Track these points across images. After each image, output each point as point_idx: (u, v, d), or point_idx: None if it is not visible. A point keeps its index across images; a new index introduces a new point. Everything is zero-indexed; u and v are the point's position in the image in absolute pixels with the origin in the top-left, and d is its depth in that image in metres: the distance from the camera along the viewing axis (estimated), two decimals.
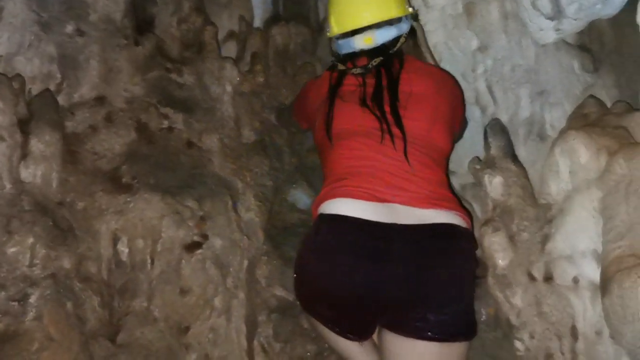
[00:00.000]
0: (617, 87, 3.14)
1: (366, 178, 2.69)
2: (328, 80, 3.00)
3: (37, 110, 2.99)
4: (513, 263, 2.87)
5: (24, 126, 2.91)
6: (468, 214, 2.83)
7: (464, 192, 3.39)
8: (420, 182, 2.70)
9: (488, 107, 3.36)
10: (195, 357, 3.01)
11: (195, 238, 3.09)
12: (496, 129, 3.14)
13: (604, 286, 2.40)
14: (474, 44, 3.39)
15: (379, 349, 2.76)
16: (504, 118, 3.28)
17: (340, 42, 3.07)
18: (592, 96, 3.02)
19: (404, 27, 3.05)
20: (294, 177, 3.71)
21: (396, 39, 3.01)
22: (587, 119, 2.87)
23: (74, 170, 3.05)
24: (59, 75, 3.23)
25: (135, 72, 3.46)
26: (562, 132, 2.85)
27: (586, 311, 2.64)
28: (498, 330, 2.95)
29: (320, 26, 4.59)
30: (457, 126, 3.09)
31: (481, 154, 3.19)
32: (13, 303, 2.60)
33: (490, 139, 3.11)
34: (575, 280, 2.66)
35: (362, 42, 2.98)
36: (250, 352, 3.17)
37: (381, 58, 2.94)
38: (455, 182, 3.41)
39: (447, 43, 3.47)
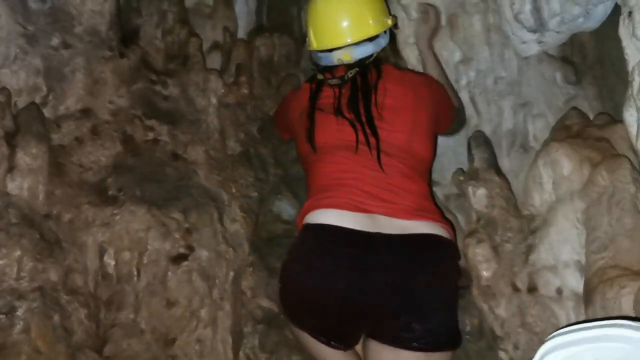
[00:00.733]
0: (599, 99, 3.18)
1: (350, 190, 2.72)
2: (308, 91, 3.03)
3: (24, 123, 2.98)
4: (497, 274, 2.89)
5: (10, 139, 2.90)
6: (450, 225, 2.86)
7: (448, 203, 3.41)
8: (403, 193, 2.74)
9: (471, 119, 3.39)
10: None
11: (181, 250, 3.08)
12: (479, 140, 3.15)
13: (587, 297, 2.43)
14: (457, 56, 3.41)
15: (363, 358, 2.78)
16: (487, 130, 3.30)
17: (320, 55, 3.12)
18: (574, 108, 3.05)
19: (382, 42, 3.10)
20: (278, 188, 3.72)
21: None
22: (570, 130, 2.89)
23: (60, 182, 3.04)
24: (44, 88, 3.22)
25: (121, 84, 3.45)
26: (545, 144, 2.87)
27: (570, 322, 2.64)
28: (482, 340, 2.96)
29: (304, 37, 4.60)
30: (448, 121, 3.14)
31: (465, 165, 3.20)
32: (0, 316, 2.60)
33: (473, 151, 3.13)
34: (559, 291, 2.68)
35: (342, 57, 3.02)
36: None
37: (357, 69, 2.98)
38: (439, 192, 3.43)
39: None
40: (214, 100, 3.69)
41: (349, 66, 3.02)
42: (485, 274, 2.90)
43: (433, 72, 3.22)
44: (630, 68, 2.39)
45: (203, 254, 3.13)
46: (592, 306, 2.37)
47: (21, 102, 3.14)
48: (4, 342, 2.57)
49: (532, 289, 2.78)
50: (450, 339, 2.65)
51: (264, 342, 3.18)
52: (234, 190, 3.47)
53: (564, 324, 2.66)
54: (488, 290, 2.89)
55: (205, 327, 3.06)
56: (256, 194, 3.59)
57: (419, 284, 2.58)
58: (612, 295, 2.28)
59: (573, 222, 2.66)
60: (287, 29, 4.66)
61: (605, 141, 2.72)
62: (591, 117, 3.00)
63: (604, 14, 2.87)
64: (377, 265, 2.57)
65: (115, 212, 3.05)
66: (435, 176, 3.33)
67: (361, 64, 3.02)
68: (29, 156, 2.91)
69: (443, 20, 3.42)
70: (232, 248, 3.28)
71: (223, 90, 3.77)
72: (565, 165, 2.70)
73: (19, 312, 2.63)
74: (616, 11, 2.66)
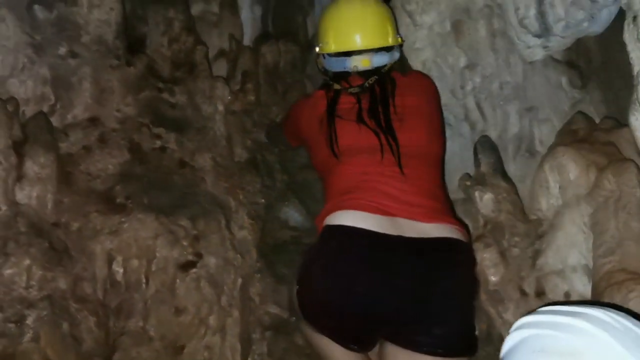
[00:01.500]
0: (604, 103, 3.17)
1: (371, 192, 2.75)
2: (322, 99, 3.05)
3: (32, 132, 3.00)
4: (504, 279, 2.88)
5: (18, 148, 2.91)
6: (466, 228, 2.90)
7: (455, 208, 3.41)
8: (422, 196, 2.78)
9: (477, 124, 3.39)
10: None
11: (190, 257, 3.09)
12: (486, 145, 3.15)
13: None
14: (462, 61, 3.41)
15: None
16: (493, 134, 3.30)
17: (333, 59, 3.14)
18: (580, 112, 3.04)
19: (396, 55, 3.18)
20: (285, 194, 3.72)
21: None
22: (576, 135, 2.89)
23: (69, 191, 3.05)
24: (52, 97, 3.25)
25: (127, 93, 3.47)
26: (551, 148, 2.87)
27: None
28: (490, 345, 2.95)
29: (310, 43, 4.61)
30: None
31: (471, 170, 3.20)
32: (10, 325, 2.60)
33: (480, 156, 3.13)
34: (567, 295, 2.67)
35: (360, 63, 3.07)
36: None
37: (376, 77, 3.03)
38: None
39: (435, 61, 3.49)
40: (220, 108, 3.71)
41: (363, 74, 3.07)
42: (493, 278, 2.89)
43: None
44: (635, 72, 2.40)
45: (211, 261, 3.14)
46: None
47: (29, 111, 3.17)
48: (14, 350, 2.57)
49: (540, 294, 2.77)
50: (468, 344, 2.66)
51: (272, 349, 3.19)
52: (241, 197, 3.49)
53: None
54: (496, 295, 2.88)
55: (213, 334, 3.06)
56: (263, 200, 3.60)
57: (439, 290, 2.60)
58: (620, 299, 2.27)
59: (580, 226, 2.65)
60: (292, 36, 4.67)
61: (611, 145, 2.72)
62: (597, 121, 3.00)
63: (609, 18, 2.86)
64: (397, 269, 2.59)
65: (123, 220, 3.06)
66: None
67: (377, 72, 3.07)
68: (38, 165, 2.93)
69: (448, 26, 3.42)
70: (240, 255, 3.29)
71: (229, 98, 3.79)
72: (571, 169, 2.70)
73: (29, 321, 2.64)
74: (621, 16, 2.66)
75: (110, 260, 2.99)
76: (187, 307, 3.02)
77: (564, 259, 2.69)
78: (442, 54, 3.45)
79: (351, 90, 3.03)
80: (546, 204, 2.84)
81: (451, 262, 2.69)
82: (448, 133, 3.31)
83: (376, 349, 2.80)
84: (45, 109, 3.21)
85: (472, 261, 2.83)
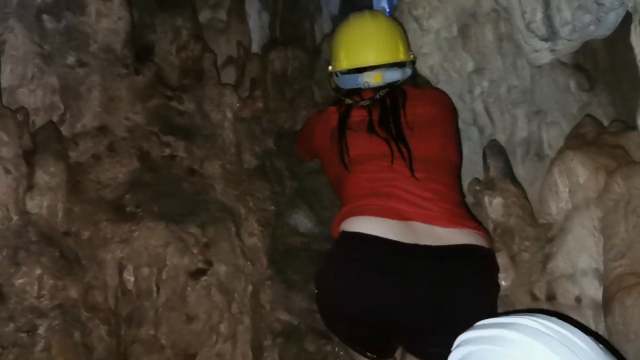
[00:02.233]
0: (612, 105, 3.17)
1: (385, 197, 2.73)
2: (334, 114, 3.08)
3: (42, 142, 3.01)
4: (515, 283, 2.87)
5: (29, 158, 2.93)
6: (487, 232, 2.87)
7: None
8: (439, 200, 2.75)
9: (485, 128, 3.39)
10: None
11: (200, 265, 3.10)
12: (494, 150, 3.16)
13: (606, 305, 2.42)
14: (470, 66, 3.42)
15: None
16: (502, 138, 3.30)
17: (346, 77, 3.18)
18: (588, 115, 3.03)
19: (408, 72, 3.20)
20: (295, 200, 3.72)
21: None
22: (585, 138, 2.89)
23: (79, 200, 3.06)
24: (61, 106, 3.26)
25: (136, 101, 3.48)
26: (560, 152, 2.87)
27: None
28: None
29: (317, 49, 4.62)
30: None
31: (480, 175, 3.20)
32: (22, 334, 2.61)
33: (488, 160, 3.13)
34: (578, 300, 2.65)
35: (372, 80, 3.10)
36: None
37: (387, 90, 3.06)
38: None
39: (443, 65, 3.50)
40: (229, 115, 3.72)
41: (375, 89, 3.10)
42: (503, 283, 2.88)
43: None
44: None
45: (221, 268, 3.14)
46: (611, 314, 2.36)
47: (39, 120, 3.18)
48: None
49: (550, 298, 2.76)
50: None
51: (283, 356, 3.18)
52: (250, 204, 3.49)
53: None
54: (507, 299, 2.87)
55: (225, 342, 3.06)
56: (273, 207, 3.59)
57: (456, 297, 2.56)
58: (631, 303, 2.28)
59: (590, 230, 2.65)
60: (300, 42, 4.69)
61: (620, 148, 2.71)
62: (605, 124, 2.99)
63: (616, 21, 2.86)
64: (415, 278, 2.56)
65: (133, 228, 3.07)
66: None
67: (390, 85, 3.10)
68: (48, 174, 2.94)
69: (455, 31, 3.43)
70: (250, 262, 3.29)
71: (238, 105, 3.79)
72: (580, 173, 2.70)
73: (40, 330, 2.64)
74: (627, 18, 2.66)
75: (121, 269, 2.99)
76: (198, 314, 3.03)
77: (574, 262, 2.68)
78: (449, 58, 3.46)
79: (362, 103, 3.06)
80: (556, 207, 2.84)
81: (470, 269, 2.65)
82: None
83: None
84: (54, 118, 3.22)
85: (493, 267, 2.80)
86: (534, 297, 2.80)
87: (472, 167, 3.34)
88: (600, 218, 2.61)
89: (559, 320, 1.38)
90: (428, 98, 3.10)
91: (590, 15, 2.83)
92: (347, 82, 3.18)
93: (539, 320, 1.36)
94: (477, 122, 3.42)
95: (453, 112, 3.19)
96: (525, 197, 3.05)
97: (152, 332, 2.95)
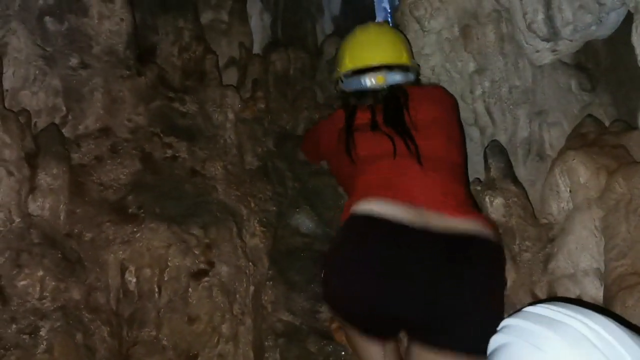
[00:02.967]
0: (614, 105, 3.17)
1: (394, 188, 2.75)
2: (341, 116, 3.13)
3: (44, 144, 3.00)
4: (516, 283, 2.88)
5: (31, 160, 2.92)
6: (496, 227, 2.89)
7: None
8: (448, 193, 2.77)
9: (487, 128, 3.40)
10: None
11: (202, 266, 3.09)
12: (495, 150, 3.16)
13: (607, 305, 2.42)
14: (471, 66, 3.43)
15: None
16: (503, 139, 3.31)
17: (350, 80, 3.25)
18: (590, 115, 3.04)
19: (411, 77, 3.25)
20: (296, 201, 3.72)
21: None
22: (586, 138, 2.89)
23: (81, 201, 3.06)
24: (64, 108, 3.26)
25: (138, 102, 3.49)
26: (561, 152, 2.87)
27: None
28: None
29: (319, 50, 4.63)
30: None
31: (481, 175, 3.21)
32: (24, 336, 2.59)
33: (490, 160, 3.13)
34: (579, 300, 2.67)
35: (374, 80, 3.16)
36: None
37: (389, 89, 3.12)
38: None
39: (444, 66, 3.51)
40: (231, 116, 3.72)
41: (378, 91, 3.16)
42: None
43: None
44: None
45: (223, 269, 3.14)
46: None
47: (41, 122, 3.18)
48: None
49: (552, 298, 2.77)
50: None
51: (285, 356, 3.17)
52: (252, 205, 3.49)
53: None
54: (508, 299, 2.87)
55: (226, 343, 3.06)
56: (275, 208, 3.60)
57: (467, 287, 2.58)
58: (633, 303, 2.28)
59: (591, 229, 2.65)
60: (301, 43, 4.70)
61: (621, 148, 2.71)
62: (607, 124, 3.00)
63: (617, 21, 2.87)
64: (423, 265, 2.57)
65: (135, 229, 3.07)
66: None
67: (392, 86, 3.14)
68: (50, 176, 2.93)
69: (456, 31, 3.44)
70: (252, 263, 3.29)
71: (240, 106, 3.80)
72: (582, 173, 2.70)
73: (42, 332, 2.62)
74: (629, 18, 2.66)
75: (123, 270, 2.99)
76: (199, 315, 3.02)
77: (575, 262, 2.69)
78: (451, 59, 3.47)
79: (365, 102, 3.11)
80: (557, 207, 2.84)
81: (477, 259, 2.64)
82: None
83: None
84: (57, 120, 3.22)
85: (501, 259, 2.80)
86: (535, 297, 2.80)
87: (473, 167, 3.35)
88: (601, 218, 2.61)
89: (614, 326, 1.36)
90: (430, 98, 3.13)
91: (591, 16, 2.83)
92: (352, 84, 3.24)
93: (592, 325, 1.34)
94: (478, 123, 3.43)
95: (455, 110, 3.22)
96: (527, 197, 3.06)
97: (154, 333, 2.95)
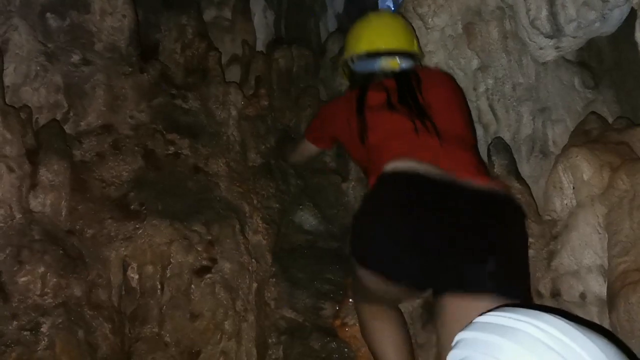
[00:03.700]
0: (617, 103, 3.17)
1: (422, 154, 2.74)
2: (352, 96, 3.13)
3: (45, 140, 3.00)
4: None
5: (32, 156, 2.92)
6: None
7: None
8: (469, 165, 2.77)
9: (490, 126, 3.39)
10: None
11: (204, 262, 3.09)
12: (499, 147, 3.16)
13: (611, 301, 2.42)
14: (475, 63, 3.42)
15: (435, 321, 2.74)
16: (507, 136, 3.30)
17: (363, 62, 3.28)
18: (593, 112, 3.04)
19: (419, 65, 3.29)
20: (299, 198, 3.72)
21: None
22: (589, 135, 2.89)
23: (83, 198, 3.06)
24: (65, 105, 3.25)
25: (141, 99, 3.49)
26: (565, 149, 2.86)
27: None
28: None
29: (322, 48, 4.62)
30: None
31: None
32: (25, 332, 2.59)
33: (493, 157, 3.13)
34: (583, 296, 2.65)
35: (389, 64, 3.20)
36: None
37: (402, 67, 3.18)
38: None
39: (448, 63, 3.50)
40: (234, 113, 3.72)
41: (389, 75, 3.17)
42: None
43: None
44: None
45: (226, 266, 3.14)
46: (615, 310, 2.36)
47: (42, 119, 3.17)
48: (29, 358, 2.56)
49: (555, 295, 2.76)
50: (522, 287, 2.61)
51: (288, 353, 3.18)
52: (255, 202, 3.48)
53: None
54: None
55: (229, 339, 3.06)
56: (277, 205, 3.60)
57: (499, 234, 2.56)
58: (636, 299, 2.27)
59: (594, 226, 2.64)
60: (305, 41, 4.69)
61: (624, 145, 2.71)
62: (610, 121, 2.99)
63: (620, 18, 2.87)
64: (455, 215, 2.56)
65: (137, 226, 3.07)
66: None
67: (403, 70, 3.18)
68: (51, 173, 2.93)
69: (460, 28, 3.44)
70: (255, 259, 3.29)
71: (243, 103, 3.79)
72: (585, 170, 2.69)
73: (44, 328, 2.63)
74: (632, 16, 2.66)
75: (125, 267, 2.99)
76: (202, 312, 3.02)
77: (578, 259, 2.68)
78: (454, 56, 3.46)
79: (378, 80, 3.13)
80: (560, 204, 2.83)
81: (507, 212, 2.66)
82: None
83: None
84: (58, 116, 3.22)
85: (524, 215, 2.81)
86: (539, 294, 2.80)
87: None
88: (604, 215, 2.60)
89: (566, 325, 1.35)
90: (440, 80, 3.17)
91: (595, 13, 2.83)
92: (364, 66, 3.27)
93: (544, 327, 1.33)
94: (482, 120, 3.42)
95: (462, 92, 3.26)
96: (530, 194, 3.05)
97: (156, 330, 2.95)
